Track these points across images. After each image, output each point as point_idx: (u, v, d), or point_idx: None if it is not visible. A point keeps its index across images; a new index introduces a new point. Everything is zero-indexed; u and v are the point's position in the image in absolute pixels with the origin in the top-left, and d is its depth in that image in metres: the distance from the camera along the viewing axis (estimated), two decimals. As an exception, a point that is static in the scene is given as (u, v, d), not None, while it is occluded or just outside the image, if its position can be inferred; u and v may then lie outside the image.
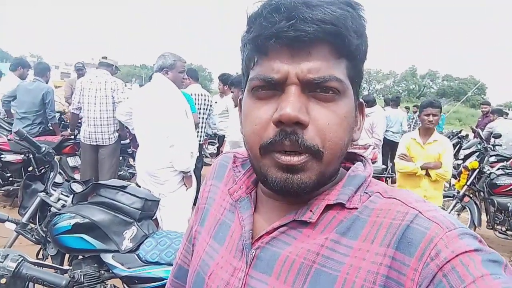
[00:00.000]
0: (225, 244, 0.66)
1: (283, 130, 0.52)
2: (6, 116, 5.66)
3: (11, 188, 4.84)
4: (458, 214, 4.87)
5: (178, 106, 3.08)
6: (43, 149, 2.23)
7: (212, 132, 5.89)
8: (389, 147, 7.33)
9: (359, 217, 0.55)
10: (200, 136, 4.80)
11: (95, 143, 4.44)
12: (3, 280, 1.18)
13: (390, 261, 0.49)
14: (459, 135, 8.11)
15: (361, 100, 0.63)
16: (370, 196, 0.58)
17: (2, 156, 4.69)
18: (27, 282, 1.31)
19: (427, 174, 3.57)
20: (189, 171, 3.16)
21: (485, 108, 8.83)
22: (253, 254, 0.60)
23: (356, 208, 0.56)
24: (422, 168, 3.55)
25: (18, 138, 2.20)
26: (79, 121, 4.90)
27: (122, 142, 5.52)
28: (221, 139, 5.80)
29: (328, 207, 0.57)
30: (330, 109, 0.53)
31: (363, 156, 0.67)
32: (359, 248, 0.52)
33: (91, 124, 4.36)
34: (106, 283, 2.03)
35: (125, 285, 1.97)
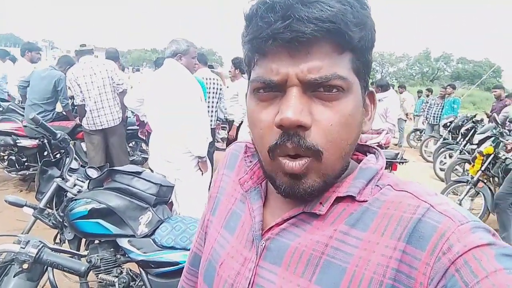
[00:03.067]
0: (235, 234, 0.67)
1: (286, 133, 0.51)
2: (21, 101, 5.73)
3: (27, 173, 4.93)
4: (472, 200, 4.83)
5: (194, 91, 3.06)
6: (59, 135, 2.25)
7: (224, 116, 5.87)
8: None
9: (369, 209, 0.55)
10: (212, 121, 4.80)
11: (100, 127, 4.44)
12: (25, 265, 1.21)
13: (400, 254, 0.49)
14: (473, 120, 7.97)
15: (371, 89, 0.61)
16: (381, 189, 0.57)
17: (17, 141, 4.76)
18: (46, 267, 1.34)
19: None
20: (205, 156, 3.16)
21: (495, 92, 8.61)
22: (263, 245, 0.60)
23: (366, 201, 0.56)
24: None
25: (34, 125, 2.22)
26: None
27: (132, 127, 5.56)
28: (230, 124, 5.77)
29: (338, 200, 0.57)
30: (334, 108, 0.52)
31: (376, 149, 0.66)
32: (369, 240, 0.52)
33: (94, 109, 4.36)
34: (122, 267, 2.08)
35: (141, 269, 2.00)
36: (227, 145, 6.03)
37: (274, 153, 0.54)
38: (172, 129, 3.03)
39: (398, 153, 4.95)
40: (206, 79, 4.68)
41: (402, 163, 4.92)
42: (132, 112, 5.18)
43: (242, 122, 5.21)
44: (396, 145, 10.62)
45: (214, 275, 0.67)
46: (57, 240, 2.24)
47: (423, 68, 69.65)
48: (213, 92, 4.79)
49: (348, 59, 0.52)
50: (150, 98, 3.19)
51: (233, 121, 5.51)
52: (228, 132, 5.77)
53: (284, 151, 0.52)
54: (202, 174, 3.22)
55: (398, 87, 12.38)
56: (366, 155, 0.65)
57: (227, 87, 6.14)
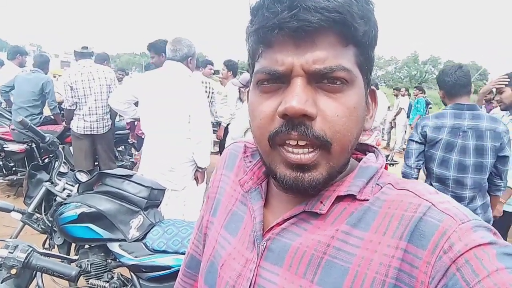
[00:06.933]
0: (238, 235, 0.66)
1: (290, 122, 0.51)
2: (7, 105, 5.64)
3: (15, 178, 4.83)
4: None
5: (205, 100, 2.94)
6: (48, 138, 2.21)
7: (214, 120, 5.86)
8: None
9: (370, 208, 0.54)
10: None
11: (89, 133, 4.37)
12: (14, 271, 1.18)
13: (402, 253, 0.49)
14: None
15: (372, 87, 0.62)
16: (381, 188, 0.57)
17: (4, 146, 4.67)
18: (35, 272, 1.31)
19: None
20: (206, 168, 3.06)
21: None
22: (264, 245, 0.60)
23: (367, 200, 0.55)
24: None
25: (22, 128, 2.18)
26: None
27: (121, 132, 5.50)
28: (219, 125, 5.77)
29: (339, 199, 0.57)
30: (338, 100, 0.52)
31: (375, 147, 0.66)
32: (371, 240, 0.52)
33: (87, 114, 4.29)
34: (113, 271, 2.05)
35: (132, 274, 1.97)
36: (219, 147, 6.04)
37: (275, 141, 0.53)
38: (179, 137, 2.88)
39: (388, 155, 4.99)
40: (200, 82, 4.65)
41: (392, 164, 4.96)
42: (119, 115, 5.13)
43: (229, 123, 5.19)
44: (385, 148, 10.70)
45: (216, 276, 0.66)
46: (46, 246, 2.20)
47: (411, 71, 70.33)
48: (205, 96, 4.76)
49: (352, 53, 0.52)
50: (151, 102, 2.91)
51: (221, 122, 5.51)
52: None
53: (286, 139, 0.52)
54: (197, 184, 3.12)
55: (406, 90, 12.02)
56: (365, 154, 0.65)
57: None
